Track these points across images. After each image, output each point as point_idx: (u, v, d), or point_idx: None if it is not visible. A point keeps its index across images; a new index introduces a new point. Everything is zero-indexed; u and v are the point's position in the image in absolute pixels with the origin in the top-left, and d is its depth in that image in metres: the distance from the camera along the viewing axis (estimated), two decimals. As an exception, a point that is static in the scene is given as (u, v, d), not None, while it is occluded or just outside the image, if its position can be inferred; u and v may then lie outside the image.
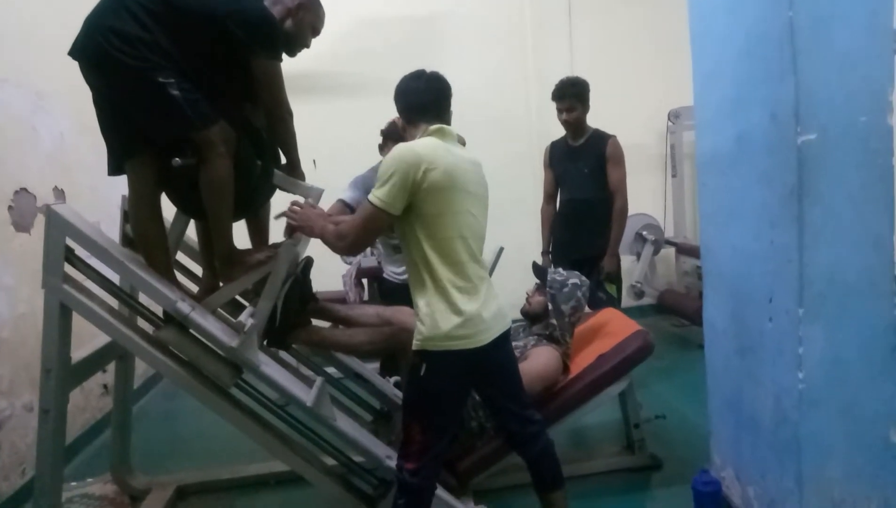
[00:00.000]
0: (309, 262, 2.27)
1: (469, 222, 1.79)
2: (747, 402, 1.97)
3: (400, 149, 1.73)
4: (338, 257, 3.62)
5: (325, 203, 2.29)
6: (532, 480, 2.02)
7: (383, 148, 2.74)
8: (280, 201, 2.19)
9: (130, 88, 1.78)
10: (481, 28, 4.86)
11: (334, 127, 4.39)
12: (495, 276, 2.74)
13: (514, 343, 2.15)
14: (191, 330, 1.95)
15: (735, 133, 1.91)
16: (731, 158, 1.96)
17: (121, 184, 1.99)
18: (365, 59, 4.60)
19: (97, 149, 2.02)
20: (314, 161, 4.31)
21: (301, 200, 2.01)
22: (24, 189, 2.90)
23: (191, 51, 1.82)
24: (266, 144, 2.08)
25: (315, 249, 2.14)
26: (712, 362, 2.23)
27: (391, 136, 2.62)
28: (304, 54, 2.11)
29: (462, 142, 1.95)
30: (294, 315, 2.16)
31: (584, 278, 2.60)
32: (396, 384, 2.62)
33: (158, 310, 2.05)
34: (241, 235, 2.12)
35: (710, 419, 2.27)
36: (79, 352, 2.10)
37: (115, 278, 2.08)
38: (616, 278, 3.35)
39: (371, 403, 2.73)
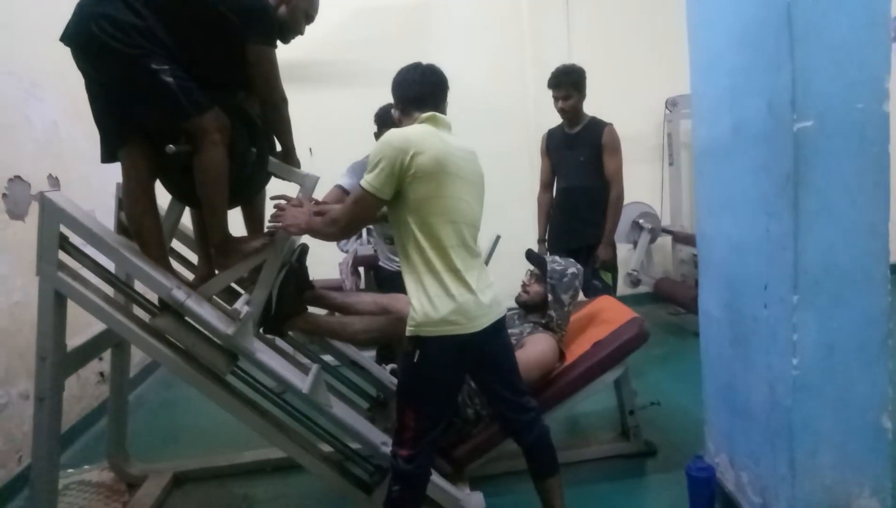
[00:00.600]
0: (304, 249, 2.27)
1: (461, 208, 1.78)
2: (741, 389, 1.99)
3: (389, 134, 1.73)
4: (334, 245, 3.63)
5: (321, 190, 2.29)
6: (528, 467, 2.02)
7: (378, 135, 2.73)
8: (275, 188, 2.18)
9: (123, 74, 1.76)
10: (478, 16, 4.83)
11: (331, 115, 4.36)
12: (491, 264, 2.73)
13: (509, 331, 2.15)
14: (186, 318, 1.95)
15: (732, 122, 1.91)
16: (727, 146, 1.96)
17: (115, 171, 1.98)
18: (360, 48, 4.58)
19: (91, 136, 2.00)
20: (310, 149, 4.32)
21: (283, 202, 2.01)
22: (18, 177, 2.88)
23: (185, 38, 1.81)
24: (261, 131, 2.07)
25: (311, 237, 2.14)
26: (707, 349, 2.24)
27: (385, 122, 2.61)
28: (300, 42, 2.10)
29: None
30: (290, 303, 2.16)
31: (578, 265, 2.61)
32: (393, 372, 2.62)
33: (154, 298, 2.05)
34: (236, 222, 2.12)
35: (705, 406, 2.29)
36: (74, 340, 2.10)
37: (110, 265, 2.07)
38: (612, 266, 3.35)
39: (367, 390, 2.74)
